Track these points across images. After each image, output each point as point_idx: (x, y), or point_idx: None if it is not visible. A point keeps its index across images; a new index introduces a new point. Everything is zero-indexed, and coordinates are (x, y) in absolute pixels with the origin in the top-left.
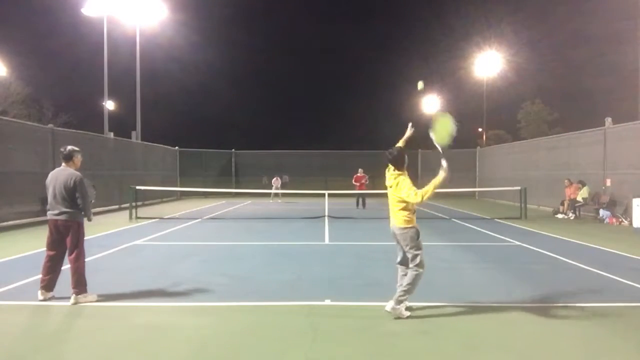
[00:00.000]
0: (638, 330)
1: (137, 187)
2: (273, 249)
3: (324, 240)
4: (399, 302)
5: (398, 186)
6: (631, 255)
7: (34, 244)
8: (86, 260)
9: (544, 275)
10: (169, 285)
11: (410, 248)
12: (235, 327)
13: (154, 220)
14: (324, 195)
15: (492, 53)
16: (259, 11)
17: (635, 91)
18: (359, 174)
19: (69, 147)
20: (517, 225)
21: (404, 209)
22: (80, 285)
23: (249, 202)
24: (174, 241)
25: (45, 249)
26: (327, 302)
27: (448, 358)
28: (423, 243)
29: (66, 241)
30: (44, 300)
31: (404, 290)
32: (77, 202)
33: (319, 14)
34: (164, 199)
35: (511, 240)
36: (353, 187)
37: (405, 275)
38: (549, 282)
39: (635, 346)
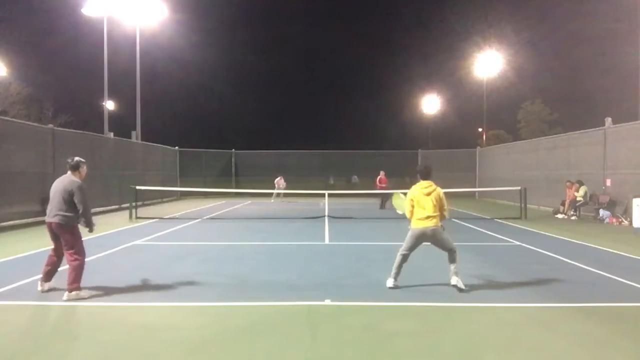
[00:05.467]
0: (638, 330)
1: (137, 187)
2: (273, 249)
3: (324, 240)
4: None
5: (440, 196)
6: (631, 255)
7: (34, 244)
8: (87, 260)
9: (544, 275)
10: (169, 285)
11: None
12: (235, 327)
13: (154, 220)
14: (324, 195)
15: (492, 53)
16: (259, 11)
17: (635, 91)
18: (383, 177)
19: (77, 158)
20: (517, 225)
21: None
22: (74, 283)
23: (249, 202)
24: (174, 241)
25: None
26: (327, 302)
27: (448, 358)
28: (424, 243)
29: (60, 243)
30: (42, 291)
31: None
32: (73, 208)
33: (319, 13)
34: (164, 199)
35: (511, 240)
36: (354, 187)
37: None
38: (549, 282)
39: (635, 346)
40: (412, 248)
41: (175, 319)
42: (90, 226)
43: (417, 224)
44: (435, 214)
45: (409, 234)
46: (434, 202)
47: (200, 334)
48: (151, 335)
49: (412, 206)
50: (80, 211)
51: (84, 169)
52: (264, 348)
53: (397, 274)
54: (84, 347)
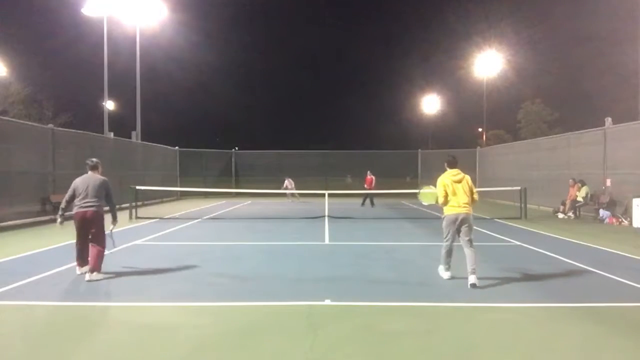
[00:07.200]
0: (638, 330)
1: (137, 187)
2: (273, 249)
3: (324, 240)
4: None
5: (469, 182)
6: (631, 255)
7: (34, 244)
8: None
9: (544, 275)
10: (169, 285)
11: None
12: (235, 327)
13: (154, 220)
14: (324, 195)
15: (492, 53)
16: (259, 11)
17: (635, 91)
18: (368, 177)
19: (95, 159)
20: (517, 225)
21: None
22: (97, 265)
23: (249, 202)
24: (174, 241)
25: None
26: (327, 302)
27: (448, 358)
28: (424, 243)
29: (90, 230)
30: (81, 273)
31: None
32: (103, 199)
33: (319, 14)
34: (164, 199)
35: (511, 240)
36: (353, 187)
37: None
38: (549, 282)
39: (635, 346)
40: (452, 236)
41: (175, 319)
42: (115, 217)
43: (451, 210)
44: (467, 202)
45: (444, 222)
46: (465, 189)
47: (200, 334)
48: (151, 335)
49: (446, 191)
50: (110, 203)
51: (100, 168)
52: (264, 348)
53: (448, 264)
54: (84, 347)
